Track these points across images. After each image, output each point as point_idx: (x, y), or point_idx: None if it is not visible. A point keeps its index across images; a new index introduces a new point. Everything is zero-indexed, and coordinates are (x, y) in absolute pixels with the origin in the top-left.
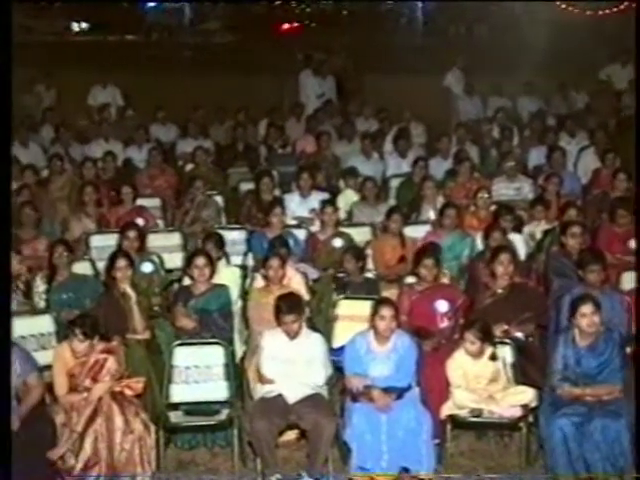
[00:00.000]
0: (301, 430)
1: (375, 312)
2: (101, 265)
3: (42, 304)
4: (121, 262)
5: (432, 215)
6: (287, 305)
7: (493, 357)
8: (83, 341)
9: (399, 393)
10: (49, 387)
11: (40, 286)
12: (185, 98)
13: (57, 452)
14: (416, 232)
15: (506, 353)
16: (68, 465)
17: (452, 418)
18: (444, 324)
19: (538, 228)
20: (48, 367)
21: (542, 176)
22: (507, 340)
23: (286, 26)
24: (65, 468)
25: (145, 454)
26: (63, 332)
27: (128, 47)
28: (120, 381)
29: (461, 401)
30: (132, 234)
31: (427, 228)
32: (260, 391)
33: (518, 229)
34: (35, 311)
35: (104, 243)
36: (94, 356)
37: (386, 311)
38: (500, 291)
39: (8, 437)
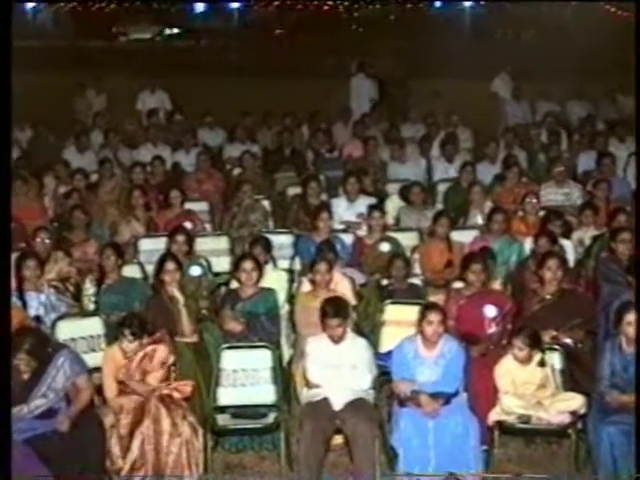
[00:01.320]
0: (345, 435)
1: (423, 317)
2: (150, 268)
3: (91, 307)
4: (170, 265)
5: (480, 220)
6: (333, 309)
7: (542, 363)
8: (132, 341)
9: (447, 398)
10: (98, 389)
11: (90, 289)
12: (232, 103)
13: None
14: (463, 237)
15: (555, 359)
16: (116, 466)
17: (500, 424)
18: (492, 330)
19: (587, 234)
20: (97, 369)
21: (591, 181)
22: (556, 346)
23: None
24: (113, 469)
25: (192, 457)
26: (112, 335)
27: (176, 52)
28: (169, 384)
29: (509, 407)
30: (180, 238)
31: (474, 233)
32: (307, 395)
33: (567, 235)
34: (84, 313)
35: (153, 246)
36: (142, 351)
37: (434, 316)
38: (549, 297)
39: (8, 437)
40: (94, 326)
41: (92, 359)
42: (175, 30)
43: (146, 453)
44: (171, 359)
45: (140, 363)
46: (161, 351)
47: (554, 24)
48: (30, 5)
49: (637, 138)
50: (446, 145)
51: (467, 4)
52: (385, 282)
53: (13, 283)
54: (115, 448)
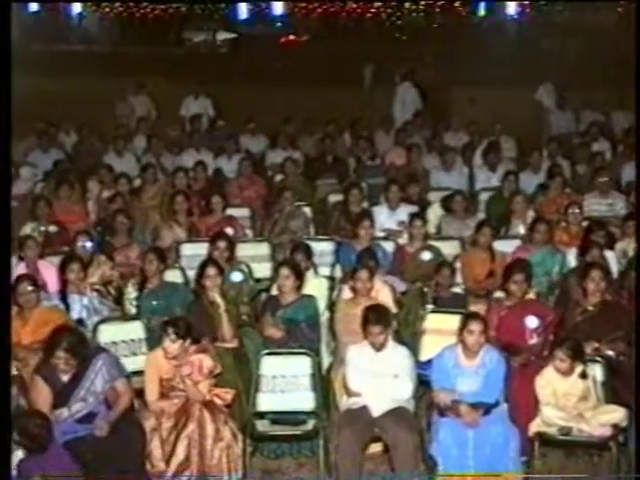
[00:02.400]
0: (386, 443)
1: (464, 326)
2: (191, 274)
3: (133, 310)
4: (211, 271)
5: (522, 230)
6: (375, 316)
7: (583, 375)
8: (175, 341)
9: (487, 409)
10: (139, 392)
11: (131, 293)
12: (275, 109)
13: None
14: (505, 247)
15: (596, 371)
16: (157, 469)
17: (540, 435)
18: (533, 340)
19: (630, 245)
20: (138, 373)
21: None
22: (598, 358)
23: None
24: (154, 472)
25: (232, 462)
26: (153, 339)
27: (220, 58)
28: (210, 389)
29: (550, 419)
30: (222, 243)
31: (517, 243)
32: (346, 403)
33: (610, 246)
34: (126, 317)
35: (194, 252)
36: (188, 358)
37: (475, 326)
38: (591, 308)
39: (8, 438)
40: (135, 330)
41: (133, 363)
42: (228, 36)
43: (191, 457)
44: (218, 369)
45: (189, 373)
46: (208, 361)
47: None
48: (76, 10)
49: (637, 138)
50: (488, 154)
51: (511, 11)
52: (428, 290)
53: (56, 286)
54: (156, 451)
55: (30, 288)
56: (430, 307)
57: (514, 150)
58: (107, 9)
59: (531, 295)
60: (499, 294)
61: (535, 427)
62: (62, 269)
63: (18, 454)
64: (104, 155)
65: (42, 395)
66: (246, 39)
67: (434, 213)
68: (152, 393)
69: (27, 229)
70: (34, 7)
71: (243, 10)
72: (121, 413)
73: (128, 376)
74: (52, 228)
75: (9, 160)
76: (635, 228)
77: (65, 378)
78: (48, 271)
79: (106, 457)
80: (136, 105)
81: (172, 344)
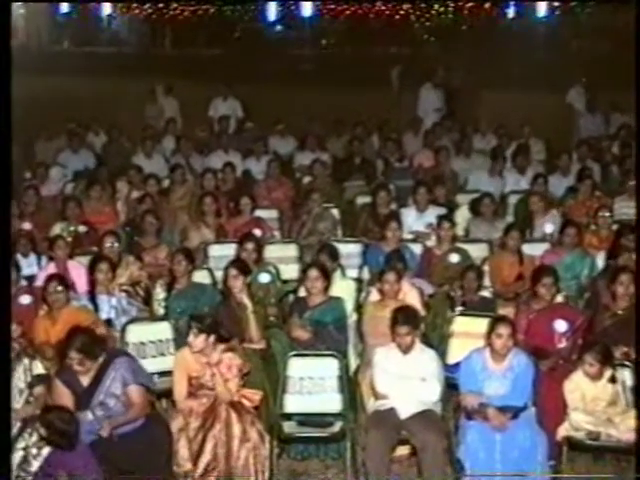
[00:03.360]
0: (413, 446)
1: (492, 330)
2: (219, 274)
3: (161, 311)
4: (239, 271)
5: (547, 229)
6: (402, 317)
7: (612, 380)
8: (197, 335)
9: (515, 412)
10: (166, 392)
11: (160, 293)
12: (304, 111)
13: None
14: (534, 250)
15: (626, 376)
16: (184, 469)
17: (568, 440)
18: (562, 344)
19: None
20: (166, 373)
21: None
22: (627, 362)
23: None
24: (180, 472)
25: (259, 463)
26: (181, 339)
27: (249, 60)
28: (238, 390)
29: (578, 423)
30: (250, 245)
31: (545, 246)
32: (373, 405)
33: None
34: (154, 318)
35: (222, 253)
36: (217, 356)
37: (503, 329)
38: (621, 312)
39: (8, 438)
40: (163, 330)
41: (161, 363)
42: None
43: (218, 457)
44: (247, 368)
45: (216, 370)
46: (237, 359)
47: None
48: (106, 12)
49: (637, 138)
50: (517, 156)
51: (541, 13)
52: (455, 293)
53: (85, 286)
54: (183, 450)
55: (60, 288)
56: (458, 310)
57: (543, 153)
58: (137, 11)
59: (560, 299)
60: (528, 297)
61: (563, 431)
62: (91, 269)
63: (43, 452)
64: (133, 156)
65: (63, 399)
66: (275, 40)
67: (462, 215)
68: (181, 392)
69: (57, 229)
70: (65, 8)
71: (272, 11)
72: (127, 421)
73: (143, 384)
74: (81, 228)
75: (9, 160)
76: (635, 228)
77: (85, 382)
78: (77, 271)
79: (132, 458)
80: (165, 107)
81: (195, 338)
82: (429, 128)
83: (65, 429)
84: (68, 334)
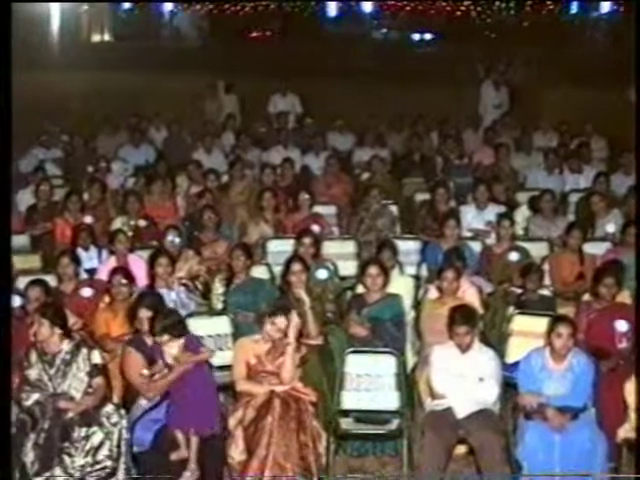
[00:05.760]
0: (470, 445)
1: (552, 329)
2: (277, 270)
3: (220, 305)
4: (297, 267)
5: (609, 229)
6: (461, 316)
7: None
8: (274, 324)
9: (574, 413)
10: (225, 387)
11: (219, 288)
12: (363, 107)
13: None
14: (595, 249)
15: None
16: (238, 460)
17: (629, 442)
18: (623, 345)
19: None
20: (224, 367)
21: None
22: None
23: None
24: (234, 463)
25: (316, 459)
26: (239, 334)
27: (308, 55)
28: (296, 387)
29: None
30: (308, 240)
31: (606, 245)
32: (430, 404)
33: None
34: (213, 312)
35: (280, 248)
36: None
37: (563, 329)
38: None
39: (8, 438)
40: (222, 325)
41: (219, 358)
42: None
43: (273, 451)
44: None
45: (274, 358)
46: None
47: None
48: (167, 8)
49: (637, 138)
50: (578, 154)
51: (604, 10)
52: (514, 292)
53: (145, 280)
54: (239, 441)
55: (124, 281)
56: (517, 309)
57: (605, 151)
58: (197, 6)
59: (622, 299)
60: (588, 297)
61: (623, 433)
62: (151, 263)
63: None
64: (193, 151)
65: (135, 363)
66: (335, 36)
67: (522, 214)
68: (240, 373)
69: (117, 223)
70: (126, 5)
71: (332, 7)
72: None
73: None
74: (142, 222)
75: (9, 160)
76: (635, 230)
77: (150, 341)
78: (137, 265)
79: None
80: (225, 103)
81: (279, 332)
82: (489, 125)
83: None
84: (137, 296)
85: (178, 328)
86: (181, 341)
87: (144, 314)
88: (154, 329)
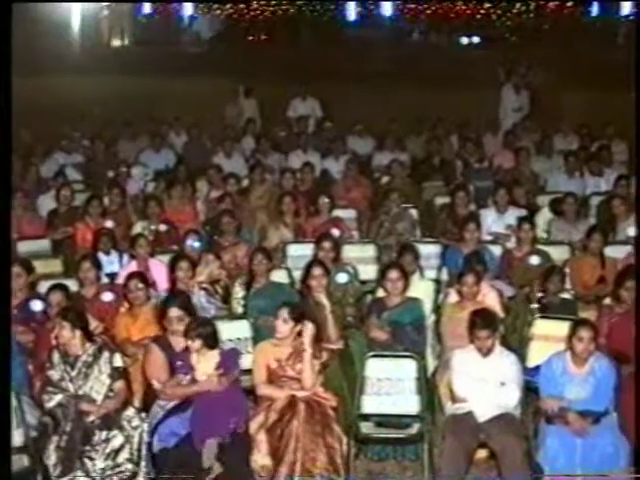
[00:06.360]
0: (491, 449)
1: (573, 333)
2: (297, 274)
3: (240, 310)
4: (317, 271)
5: (631, 233)
6: (481, 320)
7: None
8: (287, 322)
9: (596, 417)
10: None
11: (239, 292)
12: (382, 111)
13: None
14: (616, 252)
15: None
16: (262, 464)
17: None
18: None
19: None
20: (245, 372)
21: None
22: None
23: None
24: (258, 466)
25: (336, 463)
26: (260, 338)
27: (328, 60)
28: (316, 392)
29: None
30: (328, 244)
31: (627, 248)
32: (451, 408)
33: None
34: (233, 316)
35: (300, 252)
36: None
37: (585, 333)
38: None
39: (8, 436)
40: (242, 329)
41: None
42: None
43: (296, 454)
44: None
45: (294, 363)
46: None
47: None
48: (188, 13)
49: (637, 138)
50: (598, 157)
51: (625, 12)
52: (535, 296)
53: (166, 284)
54: (262, 445)
55: (140, 285)
56: (538, 313)
57: (626, 153)
58: (217, 11)
59: None
60: (609, 301)
61: None
62: (171, 267)
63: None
64: (213, 155)
65: (157, 362)
66: (355, 40)
67: (543, 217)
68: (260, 377)
69: (138, 227)
70: (147, 9)
71: (352, 11)
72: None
73: None
74: (162, 227)
75: (10, 162)
76: (635, 227)
77: (177, 347)
78: (158, 269)
79: None
80: (245, 107)
81: (284, 324)
82: (509, 128)
83: None
84: (169, 294)
85: (212, 339)
86: (216, 357)
87: (174, 313)
88: (189, 332)
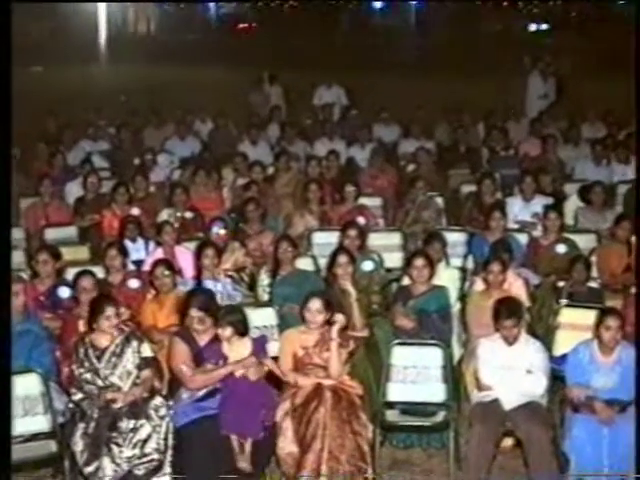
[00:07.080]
0: (517, 437)
1: (600, 322)
2: (323, 262)
3: (265, 297)
4: (343, 259)
5: None
6: (507, 309)
7: None
8: (321, 312)
9: (623, 406)
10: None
11: (264, 280)
12: (408, 99)
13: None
14: None
15: None
16: (287, 451)
17: None
18: None
19: None
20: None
21: None
22: None
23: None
24: (284, 453)
25: (363, 451)
26: (285, 325)
27: (354, 48)
28: (342, 380)
29: None
30: (353, 232)
31: None
32: (477, 396)
33: None
34: (258, 304)
35: (326, 240)
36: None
37: (612, 321)
38: None
39: (8, 437)
40: (268, 316)
41: None
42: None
43: (323, 441)
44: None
45: (321, 351)
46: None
47: None
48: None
49: (637, 138)
50: (625, 145)
51: None
52: (562, 284)
53: (192, 271)
54: (288, 432)
55: (167, 272)
56: (564, 301)
57: None
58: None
59: None
60: (637, 289)
61: None
62: (197, 255)
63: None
64: (239, 143)
65: (181, 354)
66: (380, 29)
67: (570, 205)
68: (286, 364)
69: (164, 215)
70: None
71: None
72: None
73: None
74: (188, 214)
75: (9, 159)
76: (635, 226)
77: (202, 342)
78: (184, 256)
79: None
80: (270, 95)
81: (319, 315)
82: (536, 116)
83: None
84: (187, 294)
85: (243, 326)
86: (248, 344)
87: (194, 314)
88: (220, 321)
